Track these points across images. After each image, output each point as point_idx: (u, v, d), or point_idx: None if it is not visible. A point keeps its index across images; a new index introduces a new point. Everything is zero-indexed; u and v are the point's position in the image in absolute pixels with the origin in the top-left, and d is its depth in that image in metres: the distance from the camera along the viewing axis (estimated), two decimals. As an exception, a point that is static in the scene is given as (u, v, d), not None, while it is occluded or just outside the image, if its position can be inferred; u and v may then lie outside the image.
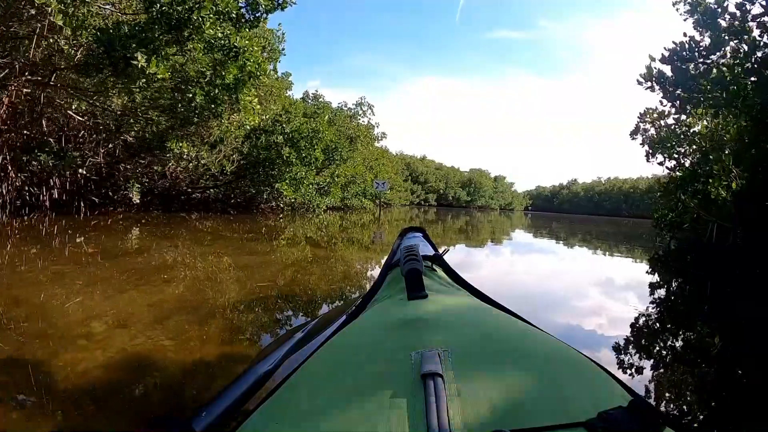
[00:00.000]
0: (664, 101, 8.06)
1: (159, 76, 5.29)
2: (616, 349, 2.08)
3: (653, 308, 3.22)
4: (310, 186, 11.85)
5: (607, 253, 7.64)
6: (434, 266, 1.10)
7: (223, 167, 9.23)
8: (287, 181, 10.02)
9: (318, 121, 10.53)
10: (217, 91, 6.88)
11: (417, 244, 1.13)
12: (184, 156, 9.16)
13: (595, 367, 0.59)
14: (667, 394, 1.58)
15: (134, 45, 5.10)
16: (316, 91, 18.80)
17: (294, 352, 1.19)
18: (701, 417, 1.43)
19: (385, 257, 1.22)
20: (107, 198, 8.16)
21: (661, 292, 4.14)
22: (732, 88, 6.25)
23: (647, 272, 5.53)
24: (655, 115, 9.37)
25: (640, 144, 9.68)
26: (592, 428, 0.39)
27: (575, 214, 61.58)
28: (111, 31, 5.03)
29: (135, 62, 5.01)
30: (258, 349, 1.72)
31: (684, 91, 7.47)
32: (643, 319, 2.78)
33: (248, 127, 9.41)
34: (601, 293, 3.68)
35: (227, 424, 0.67)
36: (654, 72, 7.74)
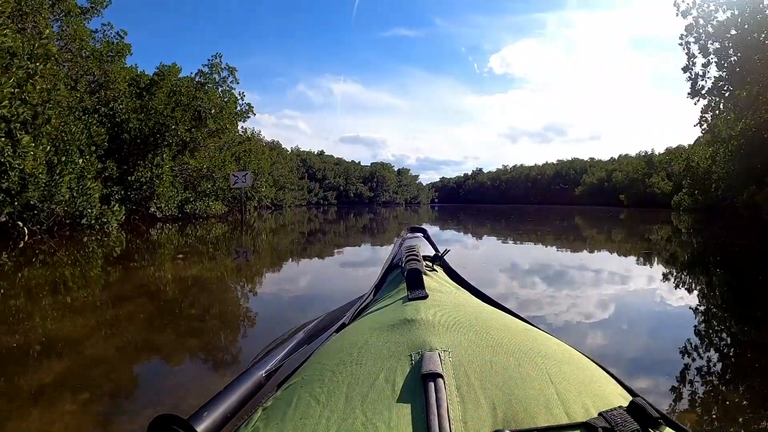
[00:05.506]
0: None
1: None
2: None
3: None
4: (89, 185, 6.42)
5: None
6: (435, 266, 1.11)
7: None
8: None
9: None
10: None
11: (417, 245, 1.19)
12: None
13: (595, 367, 0.57)
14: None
15: None
16: (175, 63, 12.50)
17: (294, 352, 1.05)
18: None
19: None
20: None
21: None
22: None
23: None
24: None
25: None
26: (592, 428, 0.39)
27: (482, 204, 61.86)
28: None
29: None
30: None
31: None
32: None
33: None
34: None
35: (227, 424, 0.64)
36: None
